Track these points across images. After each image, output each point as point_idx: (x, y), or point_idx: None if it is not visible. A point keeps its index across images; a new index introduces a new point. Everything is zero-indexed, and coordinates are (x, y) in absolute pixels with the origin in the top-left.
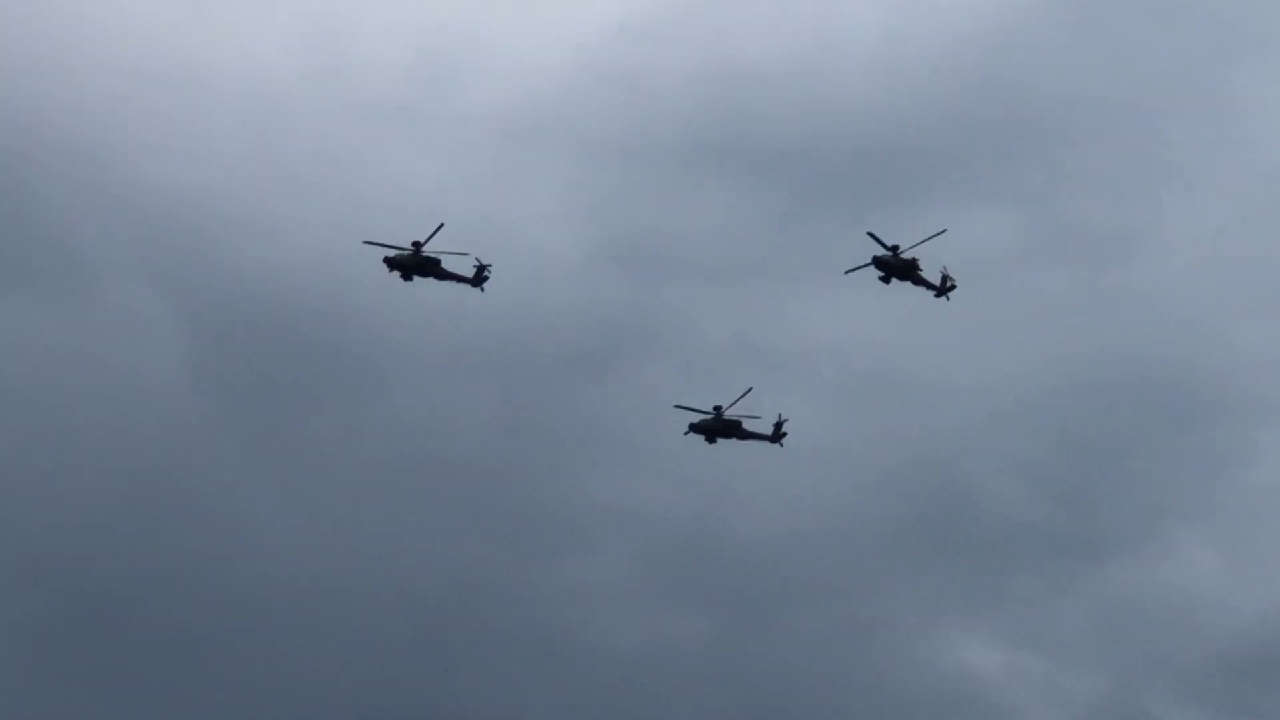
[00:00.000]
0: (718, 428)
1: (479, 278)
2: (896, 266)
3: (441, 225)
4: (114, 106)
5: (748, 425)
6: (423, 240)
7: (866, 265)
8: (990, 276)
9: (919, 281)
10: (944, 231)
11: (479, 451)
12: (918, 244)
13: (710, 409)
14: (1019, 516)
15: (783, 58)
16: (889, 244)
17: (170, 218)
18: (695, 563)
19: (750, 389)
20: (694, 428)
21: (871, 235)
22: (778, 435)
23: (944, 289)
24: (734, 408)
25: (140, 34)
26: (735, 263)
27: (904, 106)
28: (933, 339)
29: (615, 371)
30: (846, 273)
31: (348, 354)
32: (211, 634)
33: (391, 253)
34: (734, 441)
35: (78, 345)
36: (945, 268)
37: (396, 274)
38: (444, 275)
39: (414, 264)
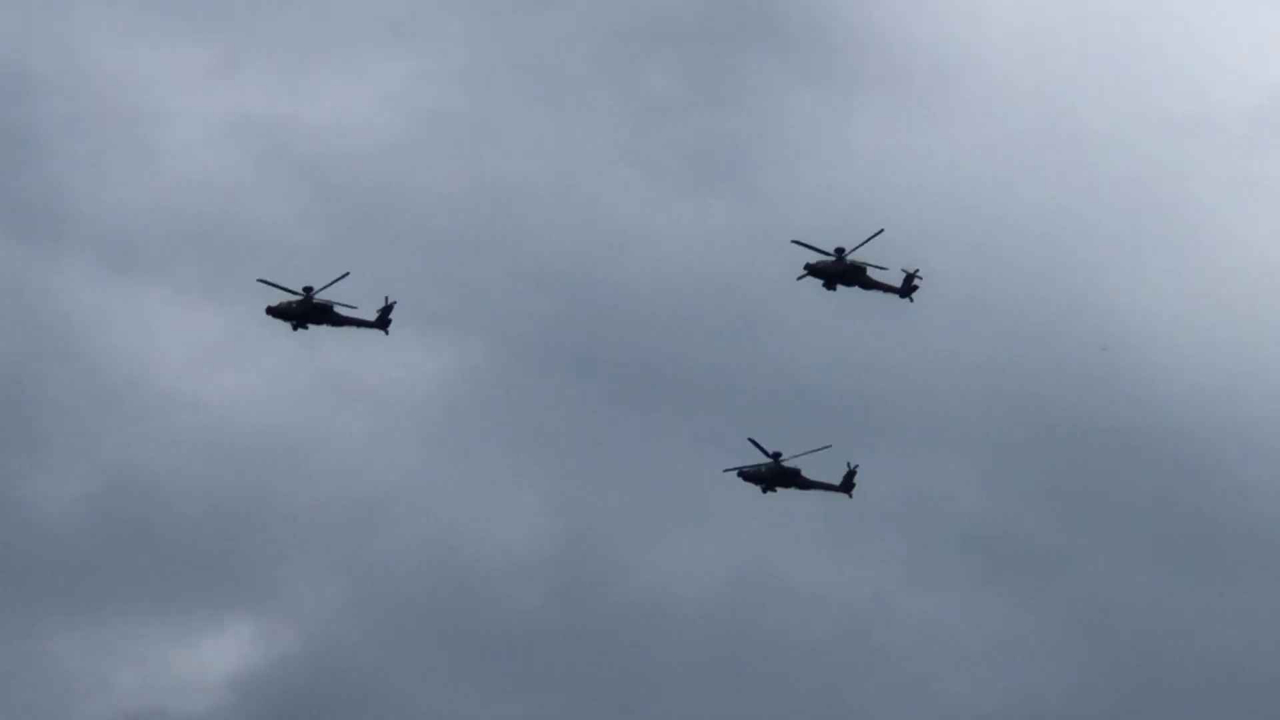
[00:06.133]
0: (772, 476)
1: (383, 319)
2: (836, 274)
3: (346, 274)
4: None
5: (808, 475)
6: (315, 287)
7: (804, 276)
8: None
9: (871, 285)
10: (881, 231)
11: None
12: (859, 245)
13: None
14: None
15: None
16: (827, 250)
17: None
18: None
19: (829, 445)
20: (744, 475)
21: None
22: (848, 485)
23: (907, 289)
24: (797, 459)
25: None
26: None
27: None
28: None
29: None
30: (798, 279)
31: None
32: None
33: (276, 301)
34: (794, 492)
35: None
36: (911, 266)
37: (287, 324)
38: (339, 321)
39: (302, 311)
